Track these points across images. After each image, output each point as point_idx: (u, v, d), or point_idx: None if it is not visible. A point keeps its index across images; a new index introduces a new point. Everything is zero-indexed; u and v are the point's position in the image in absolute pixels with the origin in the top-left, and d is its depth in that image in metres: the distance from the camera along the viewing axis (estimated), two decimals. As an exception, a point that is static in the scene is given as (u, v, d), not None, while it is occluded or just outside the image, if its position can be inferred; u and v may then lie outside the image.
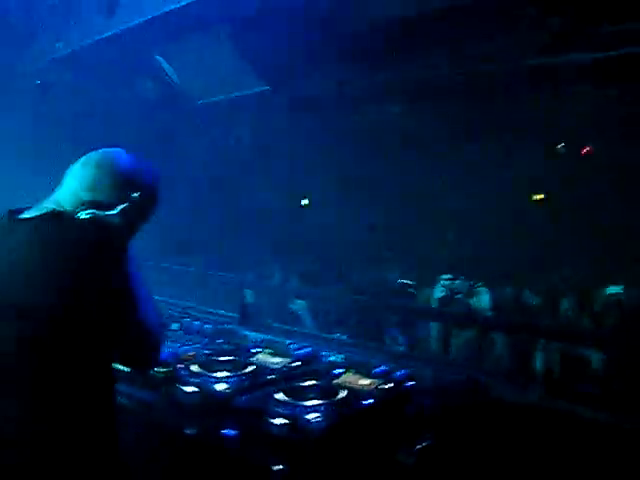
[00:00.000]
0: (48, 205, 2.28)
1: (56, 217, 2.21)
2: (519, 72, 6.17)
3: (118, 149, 2.45)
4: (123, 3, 5.67)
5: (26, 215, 2.24)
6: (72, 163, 2.41)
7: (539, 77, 6.23)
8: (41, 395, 2.10)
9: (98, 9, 5.81)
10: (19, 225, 2.19)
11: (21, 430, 2.09)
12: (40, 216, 2.21)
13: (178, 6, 4.95)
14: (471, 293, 6.79)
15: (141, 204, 2.41)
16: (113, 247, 2.14)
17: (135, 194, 2.38)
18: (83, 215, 2.26)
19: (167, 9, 5.07)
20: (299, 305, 6.93)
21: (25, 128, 7.22)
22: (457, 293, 6.76)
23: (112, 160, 2.40)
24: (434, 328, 6.60)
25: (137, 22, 5.54)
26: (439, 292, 6.91)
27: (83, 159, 2.40)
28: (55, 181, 2.37)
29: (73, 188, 2.33)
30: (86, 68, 6.83)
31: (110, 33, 5.81)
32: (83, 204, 2.29)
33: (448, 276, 6.93)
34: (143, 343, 2.27)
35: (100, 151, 2.43)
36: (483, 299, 6.77)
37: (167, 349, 3.53)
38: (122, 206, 2.34)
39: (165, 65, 6.61)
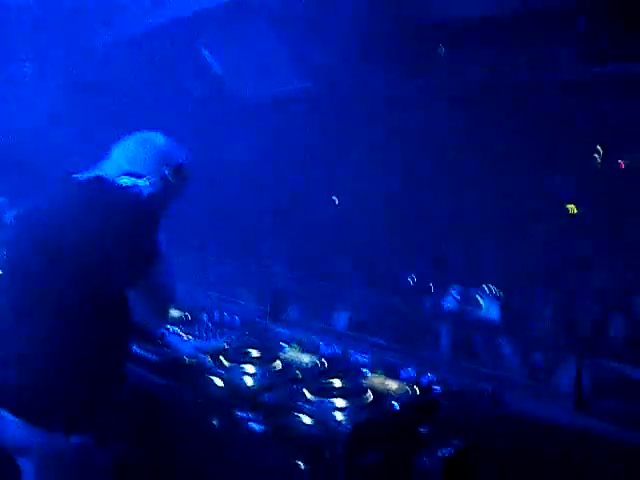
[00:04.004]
0: (96, 171, 2.73)
1: (100, 181, 2.67)
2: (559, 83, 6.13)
3: (157, 132, 2.89)
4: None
5: (79, 178, 2.70)
6: (118, 139, 2.86)
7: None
8: (66, 322, 2.53)
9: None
10: (73, 184, 2.68)
11: (36, 350, 2.53)
12: (88, 179, 2.68)
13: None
14: (480, 305, 6.71)
15: (170, 179, 2.80)
16: (140, 207, 2.61)
17: (165, 169, 2.77)
18: (121, 181, 2.69)
19: (214, 2, 5.08)
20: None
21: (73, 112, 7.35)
22: (467, 305, 6.68)
23: (150, 139, 2.85)
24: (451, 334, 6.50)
25: (185, 14, 5.56)
26: (448, 303, 6.84)
27: (128, 137, 2.85)
28: (103, 151, 2.84)
29: (116, 160, 2.78)
30: (133, 57, 6.87)
31: (158, 23, 5.82)
32: (123, 173, 2.71)
33: (458, 287, 6.84)
34: (155, 297, 2.71)
35: (142, 131, 2.88)
36: (493, 311, 6.68)
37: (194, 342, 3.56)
38: (153, 177, 2.75)
39: (210, 59, 6.62)
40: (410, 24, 5.02)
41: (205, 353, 3.30)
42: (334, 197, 11.04)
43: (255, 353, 3.40)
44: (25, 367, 2.54)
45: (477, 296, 6.49)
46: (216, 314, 4.08)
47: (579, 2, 4.20)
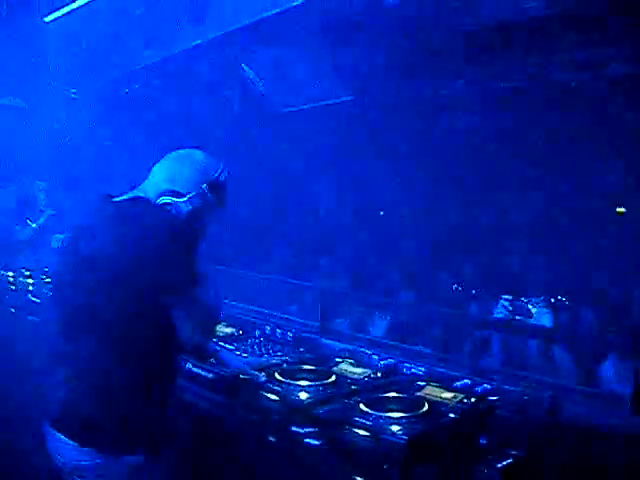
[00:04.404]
0: (135, 192, 2.78)
1: (138, 201, 2.72)
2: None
3: (196, 149, 2.89)
4: (212, 12, 5.73)
5: (118, 199, 2.76)
6: (160, 157, 2.87)
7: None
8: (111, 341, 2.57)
9: (187, 17, 5.89)
10: (112, 205, 2.73)
11: (85, 373, 2.59)
12: (127, 199, 2.75)
13: (266, 15, 4.97)
14: (531, 314, 6.61)
15: (209, 195, 2.79)
16: (179, 227, 2.63)
17: (204, 185, 2.76)
18: (161, 201, 2.71)
19: (255, 19, 5.11)
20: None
21: (117, 132, 7.47)
22: (517, 314, 6.58)
23: (188, 156, 2.85)
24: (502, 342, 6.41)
25: (225, 31, 5.60)
26: (498, 313, 6.75)
27: (167, 155, 2.86)
28: (145, 169, 2.87)
29: (156, 179, 2.79)
30: (174, 75, 6.94)
31: (199, 41, 5.88)
32: (163, 192, 2.72)
33: (508, 297, 6.75)
34: (200, 316, 2.66)
35: (180, 149, 2.88)
36: (544, 320, 6.59)
37: (246, 357, 3.57)
38: (191, 194, 2.74)
39: (250, 73, 6.67)
40: (451, 32, 5.03)
41: (257, 369, 3.31)
42: (380, 210, 11.04)
43: (309, 368, 3.40)
44: (76, 389, 2.60)
45: (528, 305, 6.42)
46: (267, 329, 4.08)
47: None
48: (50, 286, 5.08)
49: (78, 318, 2.63)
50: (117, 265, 2.52)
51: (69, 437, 2.58)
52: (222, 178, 2.85)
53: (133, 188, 2.82)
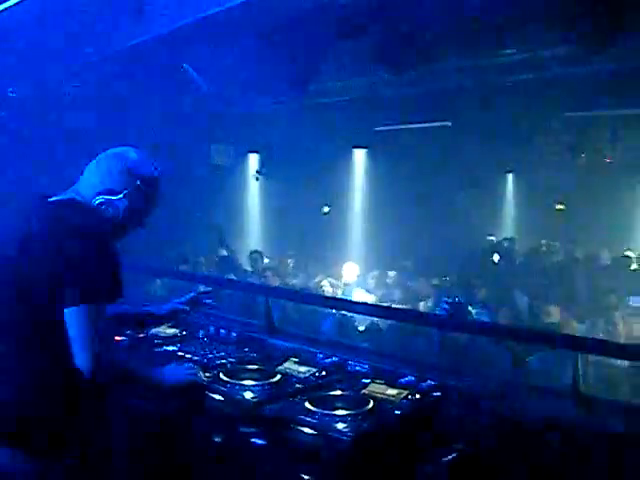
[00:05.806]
0: (69, 193, 2.76)
1: (69, 203, 2.70)
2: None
3: (127, 147, 2.88)
4: (152, 11, 5.68)
5: (52, 199, 2.72)
6: (92, 159, 2.85)
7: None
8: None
9: (128, 16, 5.83)
10: (45, 206, 2.70)
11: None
12: (59, 201, 2.71)
13: (207, 14, 4.95)
14: (469, 314, 6.71)
15: (142, 191, 2.78)
16: (95, 234, 2.61)
17: (138, 181, 2.75)
18: (97, 201, 2.71)
19: (197, 17, 5.08)
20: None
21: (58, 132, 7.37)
22: (457, 312, 6.67)
23: (121, 154, 2.82)
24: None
25: (166, 30, 5.56)
26: (440, 311, 6.84)
27: (99, 155, 2.84)
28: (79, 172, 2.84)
29: (90, 179, 2.77)
30: (115, 74, 6.88)
31: (139, 40, 5.83)
32: (98, 192, 2.72)
33: (448, 299, 6.85)
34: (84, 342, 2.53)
35: (112, 149, 2.86)
36: (482, 316, 6.70)
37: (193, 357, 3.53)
38: (126, 191, 2.74)
39: (193, 73, 6.62)
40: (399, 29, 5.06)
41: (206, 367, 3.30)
42: (327, 205, 11.18)
43: (253, 367, 3.38)
44: (5, 392, 2.55)
45: (468, 306, 6.53)
46: (212, 330, 4.03)
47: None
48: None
49: (4, 317, 2.60)
50: (37, 268, 2.52)
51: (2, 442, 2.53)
52: (155, 173, 2.85)
53: (68, 188, 2.79)
